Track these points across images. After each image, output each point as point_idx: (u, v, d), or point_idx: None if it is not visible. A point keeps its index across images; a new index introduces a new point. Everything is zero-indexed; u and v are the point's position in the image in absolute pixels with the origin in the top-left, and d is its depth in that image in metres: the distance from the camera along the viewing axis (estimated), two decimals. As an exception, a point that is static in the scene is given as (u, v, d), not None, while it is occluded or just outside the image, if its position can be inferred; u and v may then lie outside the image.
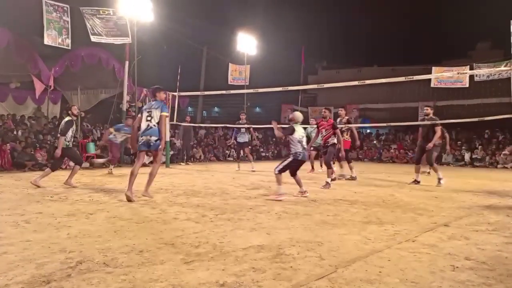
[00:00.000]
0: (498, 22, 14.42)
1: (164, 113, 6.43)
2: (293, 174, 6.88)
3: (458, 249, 3.69)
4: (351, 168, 10.33)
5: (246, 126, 12.96)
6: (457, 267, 3.16)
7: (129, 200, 6.05)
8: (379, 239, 4.03)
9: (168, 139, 14.31)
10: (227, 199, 6.57)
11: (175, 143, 16.61)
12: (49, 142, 13.13)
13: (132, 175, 6.32)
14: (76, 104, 16.18)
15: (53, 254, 3.30)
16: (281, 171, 6.72)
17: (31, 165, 11.52)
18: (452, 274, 3.00)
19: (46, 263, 3.08)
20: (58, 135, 7.93)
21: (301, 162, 6.82)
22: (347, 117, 11.14)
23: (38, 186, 7.50)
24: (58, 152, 7.85)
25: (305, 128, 9.59)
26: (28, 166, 11.40)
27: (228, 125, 18.40)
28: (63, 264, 3.06)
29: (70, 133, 7.94)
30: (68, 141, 7.94)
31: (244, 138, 12.97)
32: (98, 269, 2.96)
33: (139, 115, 6.73)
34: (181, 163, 15.51)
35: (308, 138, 9.15)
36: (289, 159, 6.83)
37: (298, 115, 7.07)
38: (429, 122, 9.22)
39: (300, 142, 6.72)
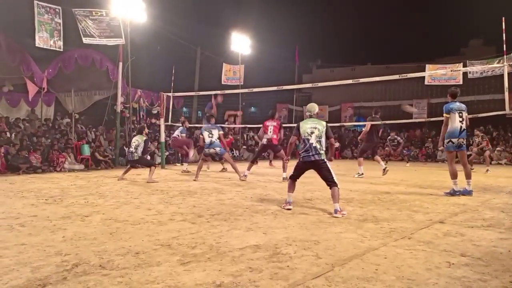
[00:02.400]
0: (490, 19, 14.54)
1: (221, 132, 9.84)
2: (296, 178, 5.79)
3: (453, 245, 3.71)
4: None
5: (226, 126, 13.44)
6: (453, 263, 3.17)
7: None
8: (375, 236, 4.04)
9: (162, 140, 14.28)
10: (223, 199, 6.56)
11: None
12: (43, 144, 13.06)
13: (199, 168, 9.94)
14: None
15: (49, 257, 3.28)
16: (291, 176, 5.78)
17: (25, 168, 11.45)
18: (448, 270, 3.01)
19: (42, 266, 3.06)
20: (140, 155, 9.58)
21: (304, 164, 5.56)
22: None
23: (154, 182, 9.16)
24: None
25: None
26: (22, 169, 11.33)
27: (223, 125, 18.42)
28: (59, 267, 3.04)
29: (139, 147, 9.58)
30: (138, 153, 9.57)
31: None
32: (94, 271, 2.95)
33: (201, 135, 9.89)
34: (177, 164, 15.49)
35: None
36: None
37: (309, 106, 5.91)
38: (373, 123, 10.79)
39: (305, 140, 5.50)
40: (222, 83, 21.25)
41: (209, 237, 3.96)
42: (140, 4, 14.58)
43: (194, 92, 19.79)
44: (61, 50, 13.37)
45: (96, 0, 14.37)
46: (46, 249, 3.51)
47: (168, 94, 14.61)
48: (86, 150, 13.81)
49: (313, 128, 5.51)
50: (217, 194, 7.10)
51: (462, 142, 7.22)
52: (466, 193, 7.08)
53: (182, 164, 15.38)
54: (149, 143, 10.65)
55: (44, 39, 12.70)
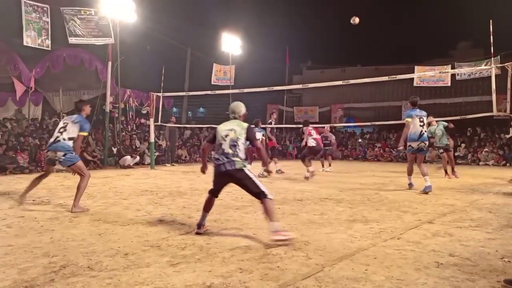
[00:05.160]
0: (478, 22, 14.73)
1: (83, 133, 5.80)
2: (215, 193, 4.42)
3: (442, 245, 3.74)
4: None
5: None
6: (441, 263, 3.20)
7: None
8: (365, 237, 4.06)
9: (152, 140, 14.19)
10: (213, 200, 6.52)
11: (160, 145, 16.49)
12: (30, 144, 12.90)
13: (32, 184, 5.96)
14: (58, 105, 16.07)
15: (36, 259, 3.24)
16: (210, 190, 4.44)
17: (12, 168, 11.29)
18: (437, 270, 3.03)
19: (29, 268, 3.02)
20: None
21: (219, 175, 4.27)
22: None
23: None
24: None
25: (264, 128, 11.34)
26: (9, 169, 11.17)
27: (213, 126, 18.34)
28: (46, 268, 3.00)
29: None
30: None
31: None
32: (82, 273, 2.91)
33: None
34: (167, 164, 15.41)
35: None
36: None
37: (234, 106, 4.58)
38: None
39: (217, 146, 4.31)
40: (212, 83, 21.16)
41: (199, 238, 3.94)
42: (130, 4, 14.47)
43: (184, 92, 19.71)
44: (49, 49, 13.21)
45: (84, -1, 14.24)
46: (33, 251, 3.47)
47: (158, 94, 14.53)
48: (74, 151, 13.64)
49: (229, 131, 4.27)
50: (207, 195, 7.05)
51: (423, 146, 7.78)
52: (428, 189, 7.45)
53: (166, 165, 15.29)
54: None
55: (31, 38, 12.53)
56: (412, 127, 7.73)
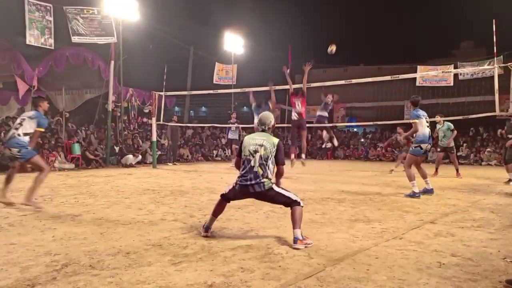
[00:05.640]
0: (481, 21, 14.68)
1: (40, 129, 5.76)
2: (229, 200, 4.20)
3: (444, 245, 3.73)
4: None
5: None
6: (443, 263, 3.19)
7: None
8: (366, 237, 4.06)
9: (154, 139, 14.20)
10: (215, 199, 6.50)
11: (163, 144, 16.51)
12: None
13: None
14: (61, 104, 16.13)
15: (38, 257, 3.25)
16: (223, 194, 4.18)
17: (15, 167, 11.31)
18: (439, 270, 3.03)
19: (31, 266, 3.03)
20: None
21: (240, 192, 4.00)
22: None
23: None
24: None
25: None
26: (12, 167, 11.19)
27: (215, 125, 18.37)
28: (48, 267, 3.01)
29: None
30: None
31: (234, 135, 14.37)
32: (84, 271, 2.92)
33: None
34: (169, 163, 15.43)
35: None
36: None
37: (263, 117, 4.25)
38: None
39: (245, 161, 3.99)
40: (214, 82, 21.17)
41: (201, 237, 3.95)
42: (133, 2, 14.49)
43: (186, 91, 19.73)
44: (52, 48, 13.22)
45: (87, -2, 14.27)
46: (36, 249, 3.48)
47: (160, 93, 14.55)
48: (77, 149, 13.69)
49: (258, 146, 3.96)
50: (209, 194, 7.07)
51: (429, 148, 7.56)
52: (429, 192, 7.31)
53: (168, 164, 15.31)
54: None
55: (35, 37, 12.55)
56: (420, 128, 7.35)
